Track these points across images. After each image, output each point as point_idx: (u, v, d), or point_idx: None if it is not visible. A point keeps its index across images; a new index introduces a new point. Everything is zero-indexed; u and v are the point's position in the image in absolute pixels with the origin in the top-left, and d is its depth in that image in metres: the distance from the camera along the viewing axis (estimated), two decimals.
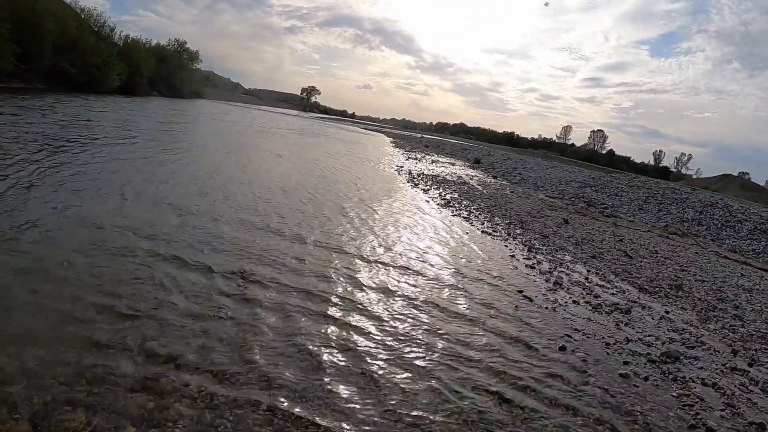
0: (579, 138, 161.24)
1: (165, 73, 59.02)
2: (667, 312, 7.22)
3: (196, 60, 73.53)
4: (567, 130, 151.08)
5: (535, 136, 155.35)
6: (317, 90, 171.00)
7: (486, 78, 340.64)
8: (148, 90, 52.71)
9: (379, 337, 4.73)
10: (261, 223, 8.11)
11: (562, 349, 5.18)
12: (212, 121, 34.17)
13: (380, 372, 4.11)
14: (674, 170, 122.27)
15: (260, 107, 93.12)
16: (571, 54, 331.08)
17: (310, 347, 4.30)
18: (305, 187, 12.47)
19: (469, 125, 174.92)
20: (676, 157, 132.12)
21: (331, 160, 20.71)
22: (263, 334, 4.37)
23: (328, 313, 5.08)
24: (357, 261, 7.04)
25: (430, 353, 4.61)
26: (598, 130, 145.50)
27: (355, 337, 4.66)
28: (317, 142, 31.98)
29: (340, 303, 5.39)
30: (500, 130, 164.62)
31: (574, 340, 5.51)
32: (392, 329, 4.97)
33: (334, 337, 4.58)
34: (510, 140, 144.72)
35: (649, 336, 6.06)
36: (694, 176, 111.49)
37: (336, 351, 4.32)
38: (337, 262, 6.81)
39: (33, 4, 32.22)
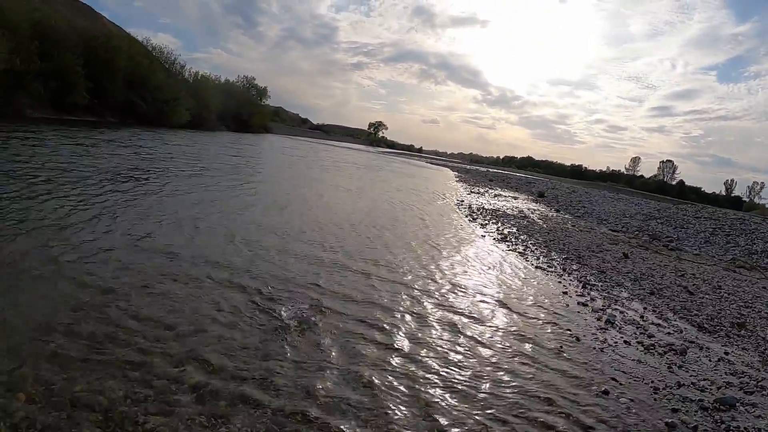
0: (648, 169, 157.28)
1: (233, 108, 61.46)
2: (727, 353, 6.86)
3: (264, 95, 76.55)
4: (635, 161, 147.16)
5: (603, 168, 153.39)
6: (384, 125, 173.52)
7: (552, 110, 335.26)
8: (216, 125, 54.98)
9: (399, 371, 4.77)
10: (327, 257, 8.39)
11: (605, 393, 5.03)
12: (281, 155, 35.31)
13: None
14: (746, 200, 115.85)
15: (327, 142, 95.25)
16: (637, 83, 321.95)
17: (365, 372, 4.40)
18: (368, 222, 12.85)
19: (537, 158, 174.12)
20: (748, 186, 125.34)
21: (393, 195, 21.11)
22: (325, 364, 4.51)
23: (370, 343, 5.17)
24: (403, 296, 7.12)
25: (459, 397, 4.61)
26: (668, 161, 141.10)
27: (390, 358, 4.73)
28: (382, 176, 32.53)
29: (380, 335, 5.47)
30: (567, 163, 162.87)
31: (620, 384, 5.33)
32: (421, 365, 4.99)
33: (382, 363, 4.65)
34: (577, 173, 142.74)
35: (704, 380, 5.78)
36: None
37: (385, 372, 4.39)
38: (384, 295, 6.92)
39: (106, 42, 34.49)
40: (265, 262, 7.54)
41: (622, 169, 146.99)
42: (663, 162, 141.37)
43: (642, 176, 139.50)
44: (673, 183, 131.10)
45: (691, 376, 5.86)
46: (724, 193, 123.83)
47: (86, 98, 31.73)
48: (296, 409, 3.89)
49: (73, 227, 7.53)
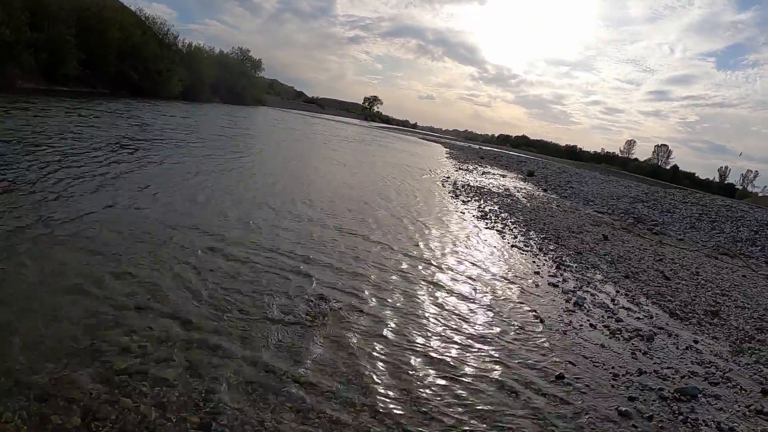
0: (643, 152, 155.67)
1: (227, 80, 60.27)
2: (696, 341, 6.59)
3: (258, 68, 75.17)
4: (630, 144, 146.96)
5: (598, 150, 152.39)
6: (379, 99, 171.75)
7: (549, 90, 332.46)
8: (209, 96, 54.07)
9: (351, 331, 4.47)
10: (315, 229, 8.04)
11: (559, 377, 4.74)
12: (275, 129, 34.86)
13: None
14: (740, 187, 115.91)
15: (322, 115, 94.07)
16: (635, 66, 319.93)
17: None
18: (349, 196, 12.74)
19: (532, 138, 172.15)
20: (742, 174, 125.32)
21: (379, 170, 20.79)
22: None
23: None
24: (372, 267, 6.80)
25: (409, 374, 4.31)
26: (663, 145, 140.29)
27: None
28: (374, 151, 32.14)
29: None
30: (563, 143, 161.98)
31: (578, 368, 5.05)
32: (371, 332, 4.69)
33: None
34: (572, 154, 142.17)
35: (668, 368, 5.50)
36: (761, 194, 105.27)
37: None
38: (353, 265, 6.61)
39: (98, 12, 33.75)
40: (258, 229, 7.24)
41: (617, 152, 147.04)
42: (658, 146, 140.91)
43: (636, 159, 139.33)
44: (667, 167, 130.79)
45: (654, 363, 5.58)
46: (717, 179, 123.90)
47: (78, 69, 31.09)
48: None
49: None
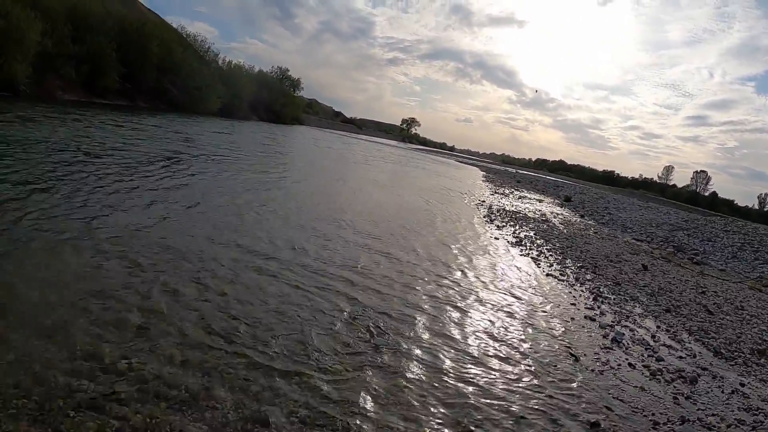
0: (681, 179, 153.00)
1: (266, 98, 61.47)
2: (743, 384, 6.21)
3: (297, 87, 76.46)
4: (668, 170, 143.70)
5: (636, 176, 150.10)
6: (417, 121, 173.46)
7: (587, 114, 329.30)
8: (247, 114, 55.19)
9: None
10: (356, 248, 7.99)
11: (595, 425, 4.48)
12: (314, 148, 35.28)
13: None
14: None
15: (360, 136, 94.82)
16: (674, 90, 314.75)
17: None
18: (384, 217, 12.87)
19: (569, 162, 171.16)
20: None
21: (416, 192, 20.70)
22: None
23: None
24: (404, 294, 6.65)
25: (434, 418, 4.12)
26: (701, 171, 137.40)
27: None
28: (411, 174, 32.14)
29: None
30: (600, 168, 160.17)
31: (616, 414, 4.78)
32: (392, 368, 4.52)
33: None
34: (609, 179, 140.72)
35: (713, 415, 5.17)
36: None
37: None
38: (385, 288, 6.47)
39: (140, 27, 34.90)
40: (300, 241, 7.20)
41: (655, 178, 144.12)
42: (696, 172, 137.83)
43: (674, 186, 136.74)
44: (706, 194, 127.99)
45: (698, 409, 5.26)
46: (757, 207, 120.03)
47: (118, 82, 32.14)
48: None
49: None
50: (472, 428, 4.06)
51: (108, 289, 4.95)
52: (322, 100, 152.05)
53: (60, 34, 27.09)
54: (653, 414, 4.95)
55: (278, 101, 66.52)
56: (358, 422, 3.75)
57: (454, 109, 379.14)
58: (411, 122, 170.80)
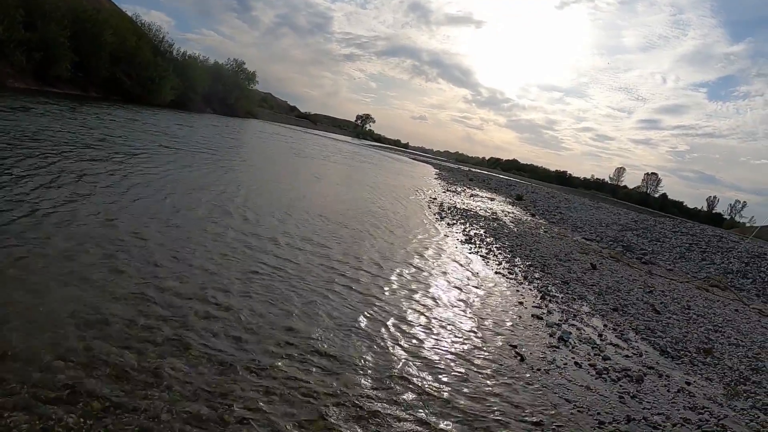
0: (632, 180, 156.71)
1: (220, 91, 60.07)
2: (688, 383, 6.11)
3: (253, 81, 74.52)
4: (620, 171, 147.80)
5: (588, 176, 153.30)
6: (372, 118, 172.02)
7: (541, 115, 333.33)
8: (201, 106, 53.77)
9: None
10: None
11: (537, 425, 4.24)
12: (265, 143, 34.43)
13: None
14: (727, 217, 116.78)
15: (313, 131, 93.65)
16: (627, 94, 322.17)
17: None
18: (333, 211, 12.46)
19: (522, 162, 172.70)
20: (730, 204, 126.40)
21: (365, 189, 20.30)
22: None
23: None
24: (348, 286, 6.30)
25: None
26: (652, 173, 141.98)
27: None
28: (363, 170, 31.70)
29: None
30: (553, 169, 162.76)
31: (560, 414, 4.55)
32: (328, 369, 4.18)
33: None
34: (562, 179, 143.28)
35: (659, 414, 5.02)
36: (748, 224, 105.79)
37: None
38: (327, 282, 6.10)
39: (94, 15, 33.64)
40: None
41: (607, 179, 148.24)
42: (647, 174, 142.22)
43: (625, 187, 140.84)
44: (656, 196, 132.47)
45: (644, 408, 5.10)
46: (705, 209, 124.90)
47: (70, 71, 30.88)
48: None
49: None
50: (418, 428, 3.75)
51: None
52: (278, 94, 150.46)
53: (11, 20, 25.85)
54: (599, 413, 4.76)
55: (233, 94, 64.91)
56: None
57: (410, 107, 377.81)
58: (365, 118, 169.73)
